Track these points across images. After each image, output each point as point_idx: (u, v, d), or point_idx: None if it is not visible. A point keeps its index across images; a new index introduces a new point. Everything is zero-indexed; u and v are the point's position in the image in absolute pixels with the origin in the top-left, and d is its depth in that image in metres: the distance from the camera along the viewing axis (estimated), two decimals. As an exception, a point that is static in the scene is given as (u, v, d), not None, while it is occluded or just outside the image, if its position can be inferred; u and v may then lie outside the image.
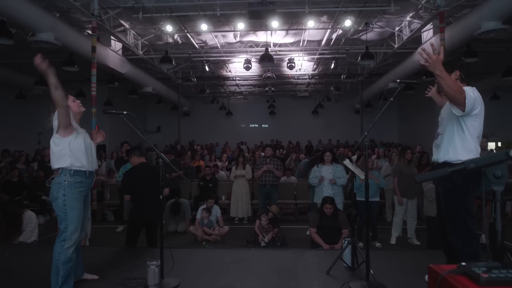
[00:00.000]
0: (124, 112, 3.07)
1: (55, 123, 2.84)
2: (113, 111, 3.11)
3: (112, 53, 10.41)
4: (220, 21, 9.33)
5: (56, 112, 2.81)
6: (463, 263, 1.03)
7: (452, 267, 1.08)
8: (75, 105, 3.04)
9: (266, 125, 21.43)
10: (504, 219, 5.14)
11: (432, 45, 2.22)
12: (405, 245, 5.83)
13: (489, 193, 3.86)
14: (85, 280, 3.12)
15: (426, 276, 3.00)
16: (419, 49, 2.23)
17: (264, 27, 9.65)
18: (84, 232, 3.07)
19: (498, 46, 10.03)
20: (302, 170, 10.51)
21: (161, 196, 3.10)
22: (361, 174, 3.20)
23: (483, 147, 5.29)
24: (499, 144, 15.17)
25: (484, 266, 1.05)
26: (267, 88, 16.81)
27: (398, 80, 2.99)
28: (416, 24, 9.20)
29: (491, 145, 14.89)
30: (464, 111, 2.52)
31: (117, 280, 3.12)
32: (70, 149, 2.83)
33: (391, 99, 2.91)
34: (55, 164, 2.85)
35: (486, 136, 5.59)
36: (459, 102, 2.49)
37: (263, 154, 7.40)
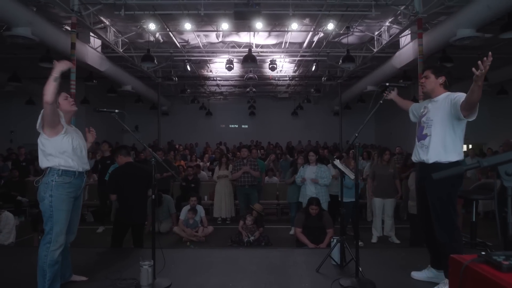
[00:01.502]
0: (116, 111, 3.02)
1: (38, 122, 2.71)
2: (105, 109, 3.05)
3: (91, 50, 10.17)
4: (203, 20, 9.29)
5: (42, 111, 2.65)
6: (483, 253, 1.13)
7: (472, 257, 1.18)
8: (66, 103, 2.89)
9: (246, 126, 21.47)
10: (477, 217, 5.38)
11: (490, 55, 2.29)
12: (386, 243, 6.01)
13: (461, 193, 4.01)
14: (73, 282, 3.05)
15: (412, 272, 3.14)
16: (481, 61, 2.30)
17: (247, 28, 9.69)
18: (74, 235, 2.99)
19: (471, 53, 10.49)
20: (280, 171, 10.62)
21: (153, 196, 3.07)
22: (351, 174, 3.29)
23: None
24: (470, 146, 15.87)
25: (502, 254, 1.15)
26: (248, 89, 16.84)
27: (387, 83, 3.10)
28: (395, 29, 9.50)
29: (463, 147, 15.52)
30: (467, 117, 2.67)
31: (107, 281, 3.07)
32: (58, 150, 2.74)
33: (381, 101, 3.01)
34: (43, 163, 2.77)
35: None
36: (475, 109, 2.62)
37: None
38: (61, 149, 2.75)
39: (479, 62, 2.29)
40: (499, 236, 1.22)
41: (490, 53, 2.27)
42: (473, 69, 2.33)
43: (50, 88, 2.56)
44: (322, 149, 15.32)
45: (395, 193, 6.18)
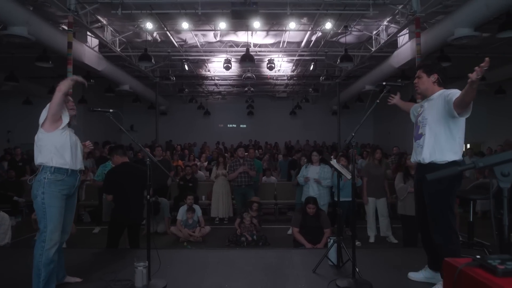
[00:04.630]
0: (111, 110, 3.00)
1: (42, 116, 2.78)
2: (99, 109, 3.03)
3: (88, 49, 10.11)
4: (201, 20, 9.26)
5: (47, 105, 2.75)
6: (478, 256, 1.09)
7: (467, 260, 1.15)
8: (70, 104, 2.98)
9: (244, 125, 21.43)
10: (474, 217, 5.39)
11: (487, 60, 2.23)
12: (383, 243, 5.98)
13: (459, 193, 3.96)
14: (67, 283, 3.02)
15: (409, 273, 3.11)
16: (479, 67, 2.24)
17: (245, 27, 9.66)
18: (67, 234, 2.97)
19: (469, 52, 10.48)
20: (279, 171, 10.59)
21: (148, 196, 3.04)
22: (347, 174, 3.26)
23: None
24: (468, 145, 15.87)
25: (497, 258, 1.12)
26: (246, 89, 16.81)
27: (384, 83, 3.07)
28: (393, 28, 9.48)
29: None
30: (461, 114, 2.62)
31: (102, 283, 3.04)
32: (54, 144, 2.76)
33: (377, 101, 2.98)
34: (37, 158, 2.79)
35: None
36: (468, 107, 2.56)
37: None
38: (57, 144, 2.77)
39: (476, 68, 2.24)
40: (495, 239, 1.19)
41: (487, 58, 2.22)
42: (470, 74, 2.28)
43: (66, 81, 2.77)
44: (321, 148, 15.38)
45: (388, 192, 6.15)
